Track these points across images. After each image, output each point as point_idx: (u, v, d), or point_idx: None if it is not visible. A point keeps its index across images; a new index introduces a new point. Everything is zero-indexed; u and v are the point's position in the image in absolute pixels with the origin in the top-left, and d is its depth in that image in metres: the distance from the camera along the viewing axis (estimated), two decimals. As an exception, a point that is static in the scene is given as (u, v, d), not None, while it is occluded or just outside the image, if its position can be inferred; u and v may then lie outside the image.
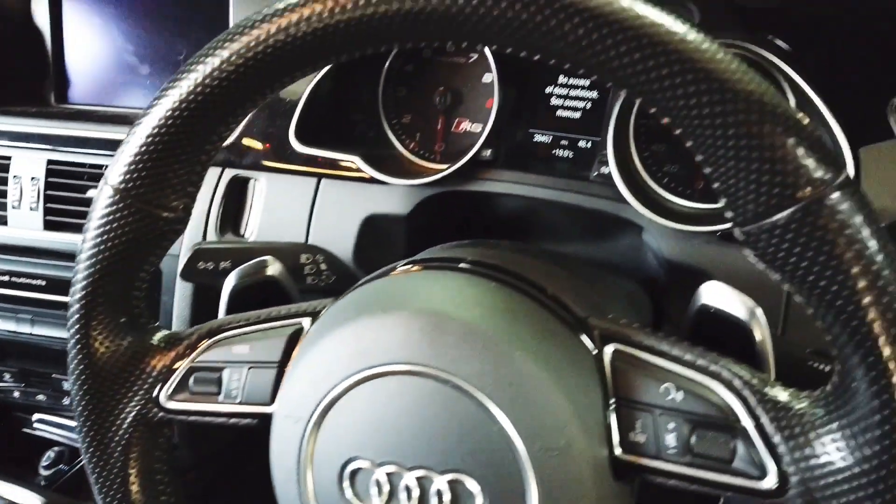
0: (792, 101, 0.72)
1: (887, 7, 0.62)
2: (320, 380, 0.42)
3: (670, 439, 0.38)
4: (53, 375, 1.00)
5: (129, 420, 0.49)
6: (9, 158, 0.91)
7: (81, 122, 0.92)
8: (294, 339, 0.48)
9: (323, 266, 0.71)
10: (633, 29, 0.33)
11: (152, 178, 0.44)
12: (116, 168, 0.44)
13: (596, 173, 0.72)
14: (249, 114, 0.47)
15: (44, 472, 1.03)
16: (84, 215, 0.47)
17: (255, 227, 0.80)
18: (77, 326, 0.48)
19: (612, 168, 0.69)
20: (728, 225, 0.61)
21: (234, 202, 0.82)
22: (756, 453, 0.36)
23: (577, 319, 0.42)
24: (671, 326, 0.69)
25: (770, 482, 0.36)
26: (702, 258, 0.68)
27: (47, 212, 0.91)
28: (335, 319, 0.44)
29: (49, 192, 0.90)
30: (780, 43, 0.68)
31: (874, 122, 0.64)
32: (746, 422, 0.36)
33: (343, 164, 0.77)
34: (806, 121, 0.33)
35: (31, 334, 0.93)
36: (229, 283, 0.57)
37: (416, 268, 0.48)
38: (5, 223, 0.92)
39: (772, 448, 0.36)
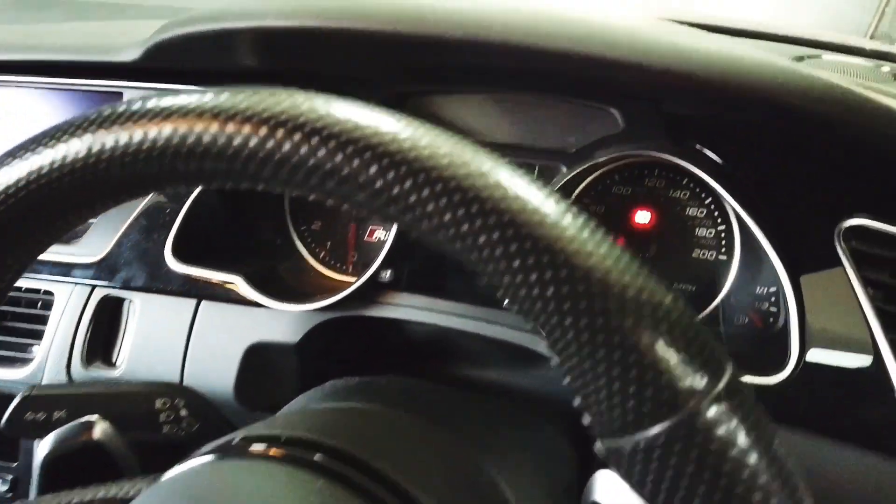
0: (722, 225, 0.65)
1: (832, 118, 0.55)
2: None
3: None
4: None
5: None
6: None
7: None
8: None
9: (183, 412, 0.61)
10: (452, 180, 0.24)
11: None
12: None
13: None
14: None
15: None
16: None
17: (126, 354, 0.69)
18: None
19: None
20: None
21: (106, 326, 0.71)
22: None
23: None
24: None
25: None
26: None
27: None
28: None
29: None
30: (709, 154, 0.61)
31: (817, 247, 0.56)
32: None
33: (227, 284, 0.67)
34: (680, 310, 0.24)
35: None
36: (43, 449, 0.47)
37: (233, 459, 0.37)
38: None
39: None
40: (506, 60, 0.56)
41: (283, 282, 0.72)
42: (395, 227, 0.67)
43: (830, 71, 0.65)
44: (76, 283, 0.71)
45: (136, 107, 0.27)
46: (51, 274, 0.72)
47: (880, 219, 0.55)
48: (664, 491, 0.24)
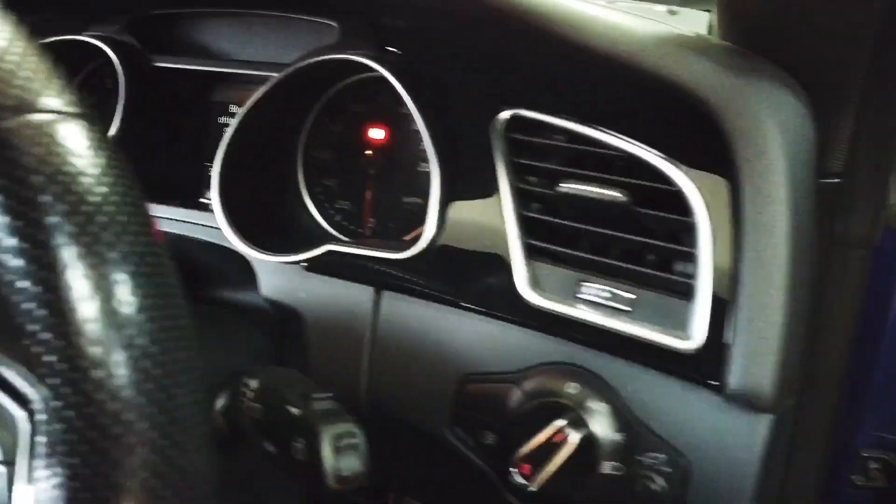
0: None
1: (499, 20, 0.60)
2: None
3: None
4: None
5: None
6: None
7: None
8: None
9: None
10: None
11: None
12: None
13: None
14: None
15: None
16: None
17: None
18: None
19: (213, 196, 0.72)
20: (313, 254, 0.69)
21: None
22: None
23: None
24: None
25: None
26: (292, 294, 0.73)
27: None
28: None
29: None
30: (393, 50, 0.71)
31: (474, 142, 0.66)
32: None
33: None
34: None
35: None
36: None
37: None
38: None
39: None
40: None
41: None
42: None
43: None
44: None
45: None
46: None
47: (533, 109, 0.62)
48: None
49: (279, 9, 0.79)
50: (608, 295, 0.60)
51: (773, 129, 0.51)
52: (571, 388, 0.59)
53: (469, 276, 0.66)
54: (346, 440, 0.52)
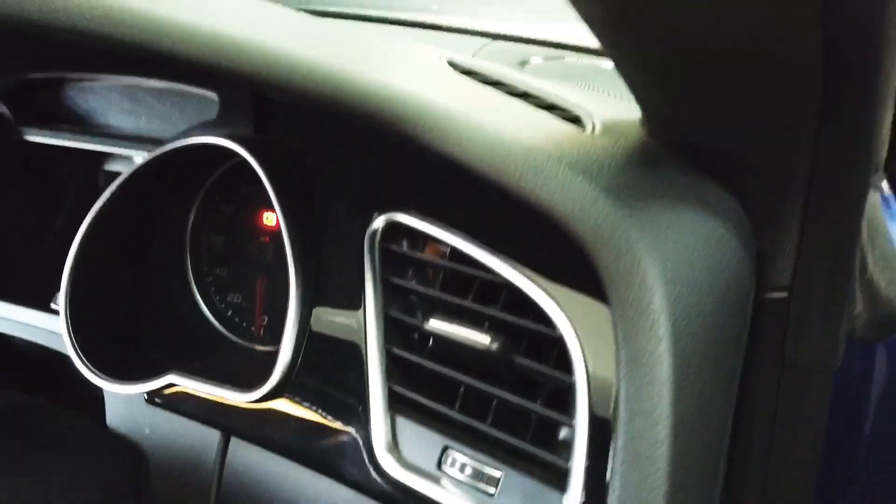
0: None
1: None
2: None
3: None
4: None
5: None
6: None
7: None
8: None
9: None
10: None
11: None
12: None
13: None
14: None
15: None
16: None
17: None
18: None
19: (60, 305, 0.62)
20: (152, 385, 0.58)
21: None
22: None
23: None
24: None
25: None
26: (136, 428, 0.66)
27: None
28: None
29: None
30: (261, 136, 0.62)
31: (345, 250, 0.58)
32: None
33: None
34: None
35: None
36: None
37: None
38: None
39: None
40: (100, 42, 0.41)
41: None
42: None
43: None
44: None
45: None
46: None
47: (412, 214, 0.53)
48: None
49: (164, 78, 0.71)
50: (471, 472, 0.49)
51: (657, 277, 0.37)
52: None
53: (324, 429, 0.57)
54: None
